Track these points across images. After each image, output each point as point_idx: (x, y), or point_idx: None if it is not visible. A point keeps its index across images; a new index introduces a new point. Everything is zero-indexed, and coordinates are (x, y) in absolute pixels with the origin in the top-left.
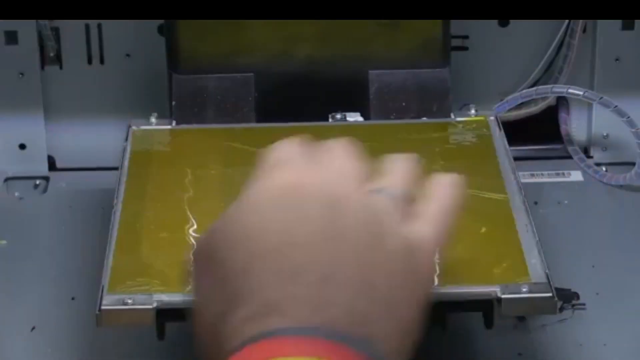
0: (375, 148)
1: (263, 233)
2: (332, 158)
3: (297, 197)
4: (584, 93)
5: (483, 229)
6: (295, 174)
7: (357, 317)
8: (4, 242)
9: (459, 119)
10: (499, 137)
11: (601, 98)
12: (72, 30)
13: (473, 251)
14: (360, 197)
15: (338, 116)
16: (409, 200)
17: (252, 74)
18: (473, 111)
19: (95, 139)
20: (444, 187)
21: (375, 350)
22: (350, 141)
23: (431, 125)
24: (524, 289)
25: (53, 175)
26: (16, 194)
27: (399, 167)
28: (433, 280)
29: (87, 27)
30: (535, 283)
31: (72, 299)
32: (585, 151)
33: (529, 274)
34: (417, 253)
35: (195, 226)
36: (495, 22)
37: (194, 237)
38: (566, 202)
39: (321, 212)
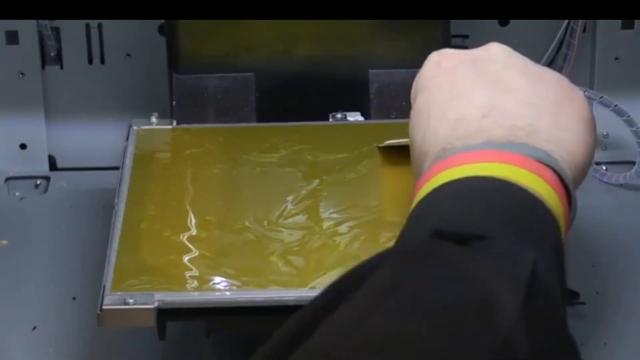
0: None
1: None
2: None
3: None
4: (584, 93)
5: None
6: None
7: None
8: (4, 242)
9: None
10: None
11: (601, 97)
12: (72, 30)
13: None
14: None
15: (338, 116)
16: None
17: (252, 73)
18: None
19: (95, 139)
20: None
21: (543, 154)
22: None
23: None
24: None
25: (54, 175)
26: (17, 193)
27: None
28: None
29: (87, 27)
30: None
31: (73, 298)
32: None
33: None
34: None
35: (195, 226)
36: (495, 22)
37: (194, 237)
38: None
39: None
